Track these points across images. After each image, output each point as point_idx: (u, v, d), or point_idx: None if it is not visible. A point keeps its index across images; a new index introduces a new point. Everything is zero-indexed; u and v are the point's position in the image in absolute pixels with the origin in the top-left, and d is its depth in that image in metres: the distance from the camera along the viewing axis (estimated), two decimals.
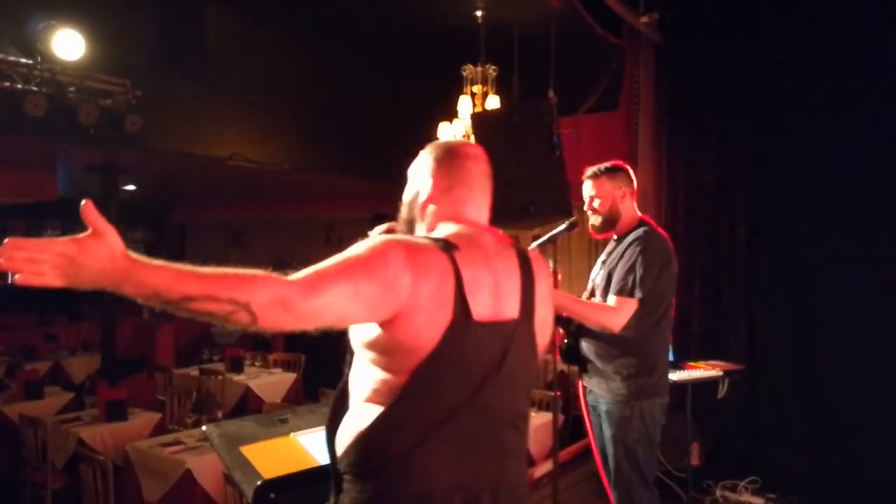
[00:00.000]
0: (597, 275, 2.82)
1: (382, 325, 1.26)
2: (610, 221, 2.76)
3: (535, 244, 2.99)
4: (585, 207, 2.82)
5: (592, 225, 2.82)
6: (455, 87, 4.84)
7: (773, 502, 4.02)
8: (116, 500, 3.59)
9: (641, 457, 2.63)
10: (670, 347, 2.95)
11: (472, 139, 3.78)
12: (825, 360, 4.39)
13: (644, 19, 4.85)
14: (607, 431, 2.68)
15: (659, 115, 5.03)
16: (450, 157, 1.49)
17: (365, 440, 1.28)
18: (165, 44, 6.05)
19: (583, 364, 2.79)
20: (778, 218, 4.66)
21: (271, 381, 6.11)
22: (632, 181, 2.79)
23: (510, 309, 1.39)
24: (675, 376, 3.61)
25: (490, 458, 1.34)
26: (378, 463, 1.28)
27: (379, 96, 7.16)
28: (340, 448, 1.34)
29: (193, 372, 6.25)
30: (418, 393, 1.27)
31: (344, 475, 1.32)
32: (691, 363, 4.00)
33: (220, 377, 5.88)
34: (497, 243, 1.44)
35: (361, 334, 1.32)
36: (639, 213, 2.80)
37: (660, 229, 2.77)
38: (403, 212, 1.53)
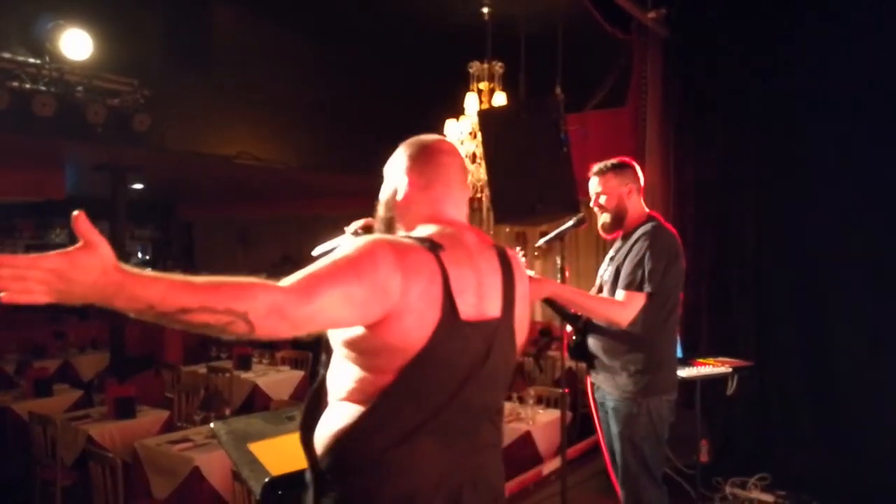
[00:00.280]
0: (605, 271, 2.81)
1: (369, 326, 1.25)
2: (617, 219, 2.75)
3: (542, 240, 2.99)
4: (592, 204, 2.81)
5: (602, 224, 2.80)
6: (462, 84, 4.83)
7: (783, 499, 4.00)
8: (125, 497, 3.60)
9: (649, 454, 2.62)
10: (679, 344, 2.93)
11: (479, 136, 3.77)
12: (834, 357, 4.36)
13: (652, 15, 4.82)
14: (615, 428, 2.67)
15: (666, 111, 5.00)
16: (425, 154, 1.48)
17: (346, 439, 1.28)
18: (173, 43, 6.07)
19: (590, 360, 2.78)
20: (786, 214, 4.63)
21: (279, 379, 6.13)
22: (638, 178, 2.77)
23: (493, 308, 1.40)
24: (683, 373, 3.59)
25: (469, 452, 1.36)
26: (360, 461, 1.27)
27: (386, 94, 7.16)
28: (320, 447, 1.32)
29: (201, 369, 6.27)
30: (404, 392, 1.26)
31: (326, 474, 1.31)
32: (700, 360, 3.98)
33: (227, 375, 5.89)
34: (479, 242, 1.45)
35: (343, 335, 1.30)
36: (646, 210, 2.78)
37: (668, 224, 2.76)
38: (381, 211, 1.51)
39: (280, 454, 1.77)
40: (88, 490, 3.83)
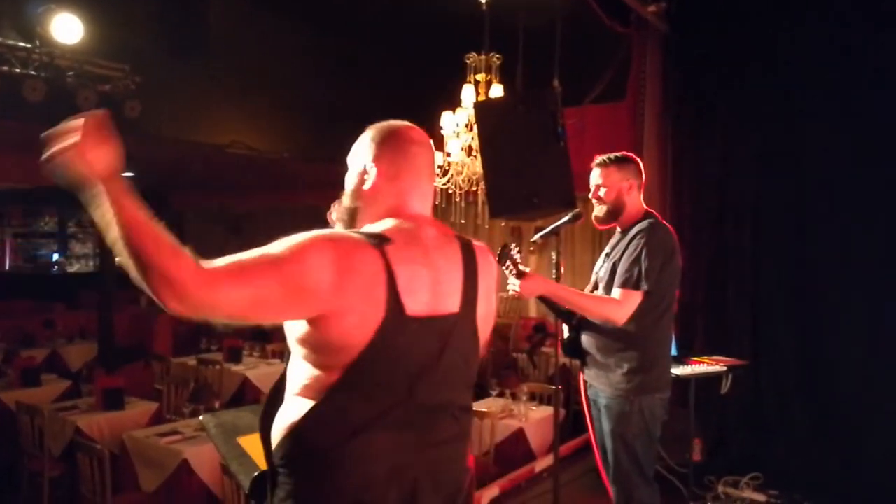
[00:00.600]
0: (601, 268, 2.79)
1: (311, 323, 1.25)
2: (614, 212, 2.73)
3: (537, 235, 2.97)
4: (591, 195, 2.79)
5: (596, 216, 2.78)
6: (458, 76, 4.77)
7: (775, 499, 4.01)
8: (113, 489, 3.56)
9: (641, 452, 2.61)
10: (673, 342, 2.92)
11: (476, 129, 3.73)
12: (829, 357, 4.36)
13: (651, 8, 4.79)
14: (606, 426, 2.66)
15: (665, 105, 4.98)
16: (395, 143, 1.43)
17: (296, 433, 1.28)
18: (166, 29, 5.99)
19: (584, 357, 2.76)
20: (784, 212, 4.62)
21: (269, 372, 6.08)
22: (641, 174, 2.75)
23: (450, 303, 1.37)
24: (678, 371, 3.58)
25: (425, 447, 1.34)
26: (311, 456, 1.27)
27: (382, 84, 7.09)
28: (274, 441, 1.32)
29: (191, 361, 6.22)
30: (350, 389, 1.26)
31: (278, 468, 1.31)
32: (695, 358, 3.97)
33: (217, 367, 5.85)
34: (439, 236, 1.41)
35: (293, 331, 1.30)
36: (644, 207, 2.76)
37: (664, 222, 2.74)
38: (346, 200, 1.48)
39: None
40: (76, 481, 3.80)
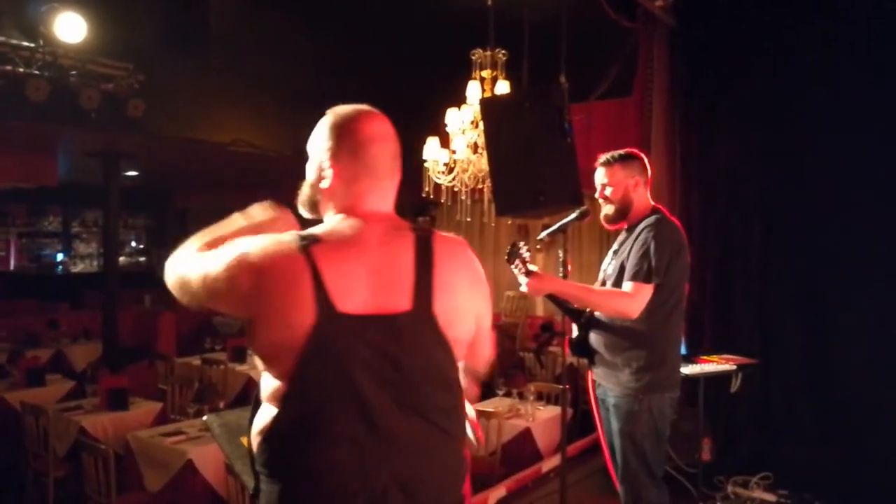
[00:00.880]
0: (608, 265, 2.77)
1: (249, 335, 1.30)
2: (622, 211, 2.71)
3: (544, 233, 2.95)
4: (597, 195, 2.77)
5: (605, 215, 2.77)
6: (463, 72, 4.74)
7: (785, 499, 3.97)
8: (118, 489, 3.56)
9: (649, 452, 2.59)
10: (682, 341, 2.89)
11: (481, 125, 3.70)
12: (839, 355, 4.31)
13: (658, 3, 4.75)
14: (615, 425, 2.64)
15: (672, 101, 4.93)
16: (353, 143, 1.36)
17: (267, 440, 1.29)
18: (168, 28, 5.99)
19: (592, 356, 2.74)
20: (793, 209, 4.57)
21: None
22: (646, 170, 2.73)
23: (399, 301, 1.29)
24: (687, 370, 3.55)
25: (396, 455, 1.27)
26: (280, 462, 1.28)
27: (385, 81, 7.05)
28: (253, 446, 1.34)
29: (195, 361, 6.21)
30: (302, 395, 1.25)
31: (259, 474, 1.32)
32: (704, 357, 3.94)
33: (222, 367, 5.84)
34: (387, 232, 1.35)
35: (248, 340, 1.34)
36: (652, 203, 2.74)
37: (673, 218, 2.71)
38: (306, 191, 1.46)
39: None
40: (81, 482, 3.79)
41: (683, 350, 3.06)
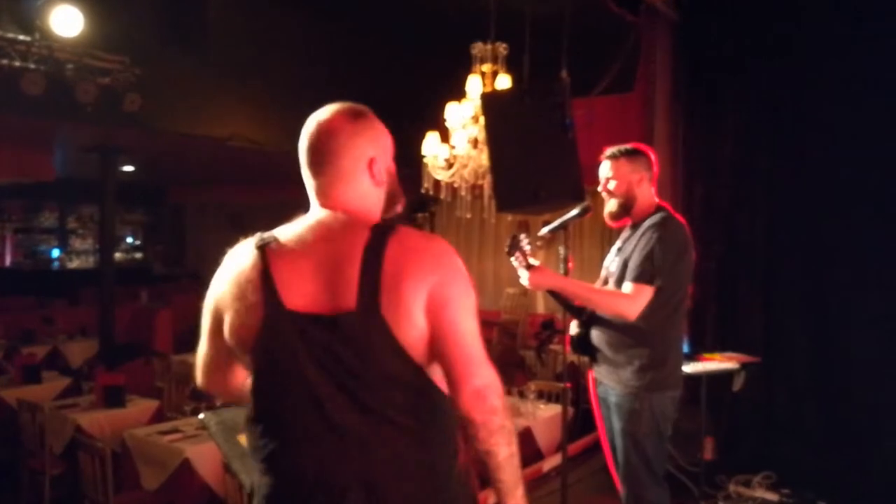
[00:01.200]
0: (611, 262, 2.74)
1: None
2: (625, 206, 2.68)
3: (545, 230, 2.91)
4: (600, 188, 2.73)
5: (608, 211, 2.73)
6: (464, 66, 4.70)
7: (788, 498, 3.96)
8: (115, 488, 3.55)
9: (651, 451, 2.57)
10: (685, 339, 2.87)
11: (482, 120, 3.67)
12: (843, 353, 4.29)
13: None
14: (616, 424, 2.62)
15: (675, 96, 4.89)
16: (302, 137, 1.41)
17: (247, 434, 1.37)
18: (166, 21, 5.95)
19: (593, 354, 2.71)
20: (797, 205, 4.53)
21: None
22: (651, 166, 2.70)
23: (344, 301, 1.23)
24: (689, 368, 3.53)
25: (357, 454, 1.24)
26: (255, 458, 1.34)
27: (385, 75, 7.02)
28: None
29: (192, 358, 6.15)
30: (262, 390, 1.30)
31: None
32: (706, 355, 3.91)
33: None
34: (339, 228, 1.31)
35: None
36: (656, 200, 2.70)
37: (678, 215, 2.68)
38: None
39: None
40: (77, 480, 3.77)
41: (686, 348, 3.03)
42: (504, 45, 4.67)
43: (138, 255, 14.17)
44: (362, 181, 1.37)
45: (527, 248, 2.64)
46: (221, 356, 1.42)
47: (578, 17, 4.44)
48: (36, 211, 12.79)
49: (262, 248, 1.31)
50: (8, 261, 12.35)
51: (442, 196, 5.16)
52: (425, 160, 4.88)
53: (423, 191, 5.00)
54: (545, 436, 4.30)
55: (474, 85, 4.64)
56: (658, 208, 2.66)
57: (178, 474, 3.54)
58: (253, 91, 6.57)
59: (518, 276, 2.70)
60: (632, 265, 2.53)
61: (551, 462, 4.33)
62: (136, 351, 7.25)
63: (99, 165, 7.39)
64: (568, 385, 3.21)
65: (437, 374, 1.30)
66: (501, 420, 1.26)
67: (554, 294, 2.73)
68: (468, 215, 5.18)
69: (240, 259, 1.34)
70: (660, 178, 2.81)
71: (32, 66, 4.92)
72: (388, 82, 6.91)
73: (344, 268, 1.25)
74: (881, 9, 4.08)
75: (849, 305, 4.27)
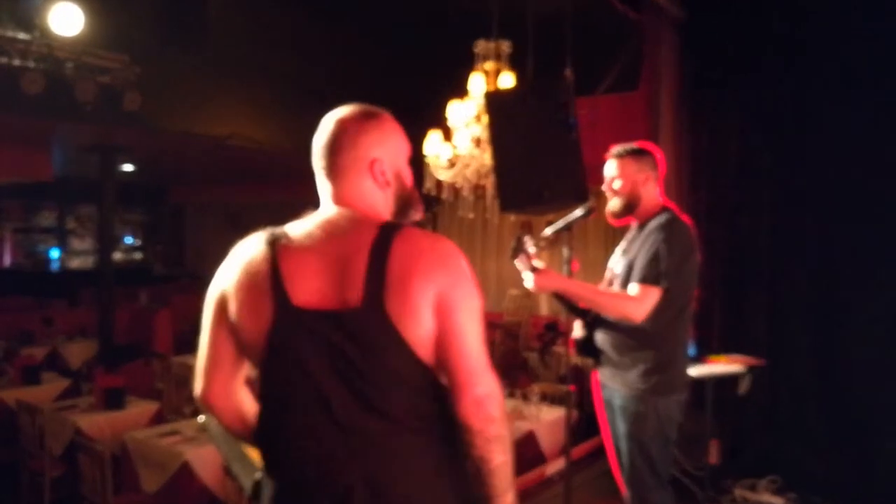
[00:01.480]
0: (616, 264, 2.72)
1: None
2: (629, 206, 2.65)
3: (548, 230, 2.88)
4: (604, 187, 2.71)
5: (611, 210, 2.71)
6: (467, 65, 4.68)
7: (794, 502, 3.94)
8: (115, 490, 3.55)
9: (656, 454, 2.54)
10: (690, 341, 2.84)
11: (485, 119, 3.64)
12: (849, 356, 4.26)
13: None
14: (621, 427, 2.60)
15: (680, 95, 4.86)
16: (315, 136, 1.43)
17: (254, 432, 1.37)
18: (165, 20, 5.92)
19: (598, 357, 2.69)
20: (803, 206, 4.50)
21: None
22: (657, 166, 2.68)
23: (350, 297, 1.24)
24: (694, 371, 3.50)
25: (362, 452, 1.24)
26: (263, 456, 1.35)
27: (386, 73, 7.00)
28: None
29: (192, 360, 6.13)
30: (270, 388, 1.30)
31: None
32: (712, 357, 3.88)
33: None
34: (347, 224, 1.32)
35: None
36: (662, 200, 2.68)
37: (684, 216, 2.65)
38: None
39: None
40: (77, 482, 3.77)
41: (691, 351, 3.01)
42: (507, 43, 4.64)
43: (138, 256, 14.15)
44: (364, 181, 1.38)
45: (531, 250, 2.62)
46: (226, 355, 1.38)
47: (582, 16, 4.42)
48: (35, 211, 12.78)
49: (273, 244, 1.31)
50: (7, 261, 12.34)
51: (444, 196, 5.13)
52: (427, 160, 4.85)
53: (424, 191, 4.97)
54: (548, 439, 4.28)
55: (477, 83, 4.60)
56: (664, 209, 2.63)
57: (178, 477, 3.54)
58: (253, 90, 6.56)
59: (521, 278, 2.67)
60: (637, 267, 2.51)
61: (554, 465, 4.31)
62: (135, 352, 7.23)
63: (98, 165, 7.38)
64: (572, 388, 3.18)
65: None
66: (499, 429, 1.27)
67: (558, 296, 2.70)
68: (471, 215, 5.15)
69: (249, 252, 1.33)
70: (664, 178, 2.79)
71: (32, 64, 4.91)
72: (390, 81, 6.88)
73: (350, 264, 1.25)
74: (887, 8, 4.05)
75: (854, 308, 4.24)
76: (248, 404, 1.44)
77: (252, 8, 6.50)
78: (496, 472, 1.28)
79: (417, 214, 1.47)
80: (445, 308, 1.25)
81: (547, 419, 4.32)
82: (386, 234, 1.27)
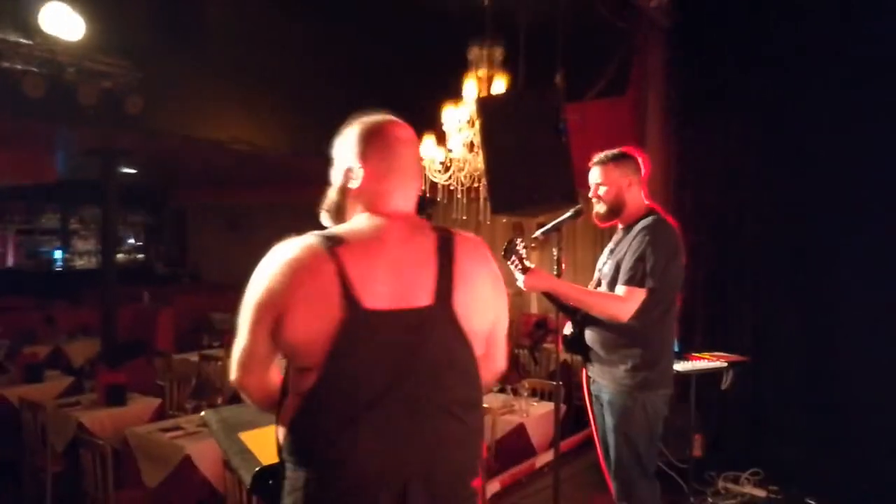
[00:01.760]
0: (604, 264, 2.78)
1: (275, 330, 1.34)
2: (614, 210, 2.73)
3: (539, 232, 2.96)
4: (590, 194, 2.78)
5: (597, 213, 2.78)
6: (460, 71, 4.75)
7: (775, 494, 4.01)
8: (116, 485, 3.57)
9: (643, 448, 2.62)
10: (675, 338, 2.92)
11: (477, 124, 3.72)
12: (830, 352, 4.35)
13: (653, 3, 4.76)
14: (609, 422, 2.66)
15: (667, 101, 4.95)
16: (383, 143, 1.43)
17: (291, 431, 1.34)
18: (166, 25, 5.97)
19: (587, 353, 2.76)
20: (787, 208, 4.59)
21: None
22: (640, 169, 2.74)
23: (421, 296, 1.34)
24: (679, 367, 3.58)
25: (420, 447, 1.32)
26: (305, 454, 1.33)
27: (383, 78, 7.07)
28: (280, 436, 1.39)
29: (193, 357, 6.22)
30: (329, 388, 1.29)
31: (286, 462, 1.37)
32: (696, 354, 3.96)
33: (219, 363, 5.85)
34: (409, 231, 1.40)
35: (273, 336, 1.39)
36: (647, 202, 2.75)
37: (669, 218, 2.72)
38: (333, 195, 1.50)
39: (271, 444, 1.74)
40: (79, 477, 3.79)
41: (675, 347, 3.08)
42: (500, 50, 4.72)
43: (140, 256, 14.20)
44: (417, 191, 1.51)
45: (522, 251, 2.70)
46: (266, 352, 1.38)
47: (572, 23, 4.48)
48: (38, 212, 12.81)
49: (331, 249, 1.31)
50: (10, 262, 12.37)
51: (439, 198, 5.21)
52: (422, 163, 4.93)
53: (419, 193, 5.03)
54: (538, 432, 4.35)
55: (470, 88, 4.68)
56: (649, 210, 2.70)
57: (179, 471, 3.56)
58: (253, 94, 6.59)
59: (512, 278, 2.75)
60: (624, 267, 2.58)
61: (544, 458, 4.39)
62: (137, 350, 7.27)
63: (100, 167, 7.42)
64: (560, 383, 3.24)
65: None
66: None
67: (548, 295, 2.78)
68: (464, 217, 5.22)
69: (304, 257, 1.31)
70: (651, 182, 2.86)
71: (34, 69, 4.94)
72: (386, 85, 6.96)
73: (419, 267, 1.36)
74: (873, 13, 4.14)
75: (836, 306, 4.33)
76: (275, 380, 1.47)
77: (251, 13, 6.56)
78: None
79: None
80: (497, 304, 1.47)
81: (536, 413, 4.38)
82: (446, 239, 1.41)
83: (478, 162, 4.67)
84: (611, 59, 5.29)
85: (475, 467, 1.44)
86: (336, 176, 1.49)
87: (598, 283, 2.77)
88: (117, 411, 4.35)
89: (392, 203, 1.43)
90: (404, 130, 1.47)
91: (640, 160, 2.76)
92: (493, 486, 4.09)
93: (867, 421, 4.13)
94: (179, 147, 7.28)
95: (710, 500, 4.05)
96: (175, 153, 8.14)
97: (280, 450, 1.39)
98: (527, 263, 2.67)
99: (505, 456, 4.23)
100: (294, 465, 1.34)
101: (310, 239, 1.35)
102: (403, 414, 1.30)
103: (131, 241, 14.17)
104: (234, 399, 5.37)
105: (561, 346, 2.92)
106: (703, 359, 3.88)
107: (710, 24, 4.88)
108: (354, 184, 1.44)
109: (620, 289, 2.57)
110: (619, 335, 2.61)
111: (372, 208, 1.43)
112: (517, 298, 8.17)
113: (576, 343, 2.80)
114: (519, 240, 2.75)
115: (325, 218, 1.52)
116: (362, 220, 1.41)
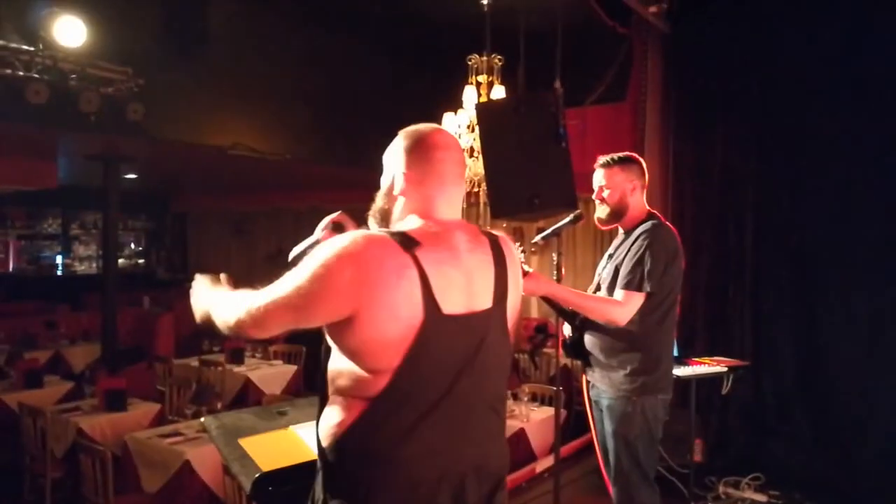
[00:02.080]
0: (603, 268, 2.79)
1: (347, 329, 1.31)
2: (617, 214, 2.73)
3: (539, 237, 2.97)
4: (594, 196, 2.78)
5: (599, 217, 2.78)
6: (460, 77, 4.77)
7: (776, 499, 4.01)
8: (115, 490, 3.56)
9: (642, 453, 2.61)
10: (675, 343, 2.92)
11: (477, 130, 3.73)
12: (830, 357, 4.35)
13: (652, 9, 4.80)
14: (608, 427, 2.66)
15: (666, 106, 4.98)
16: (422, 147, 1.47)
17: (349, 434, 1.33)
18: (168, 32, 6.00)
19: (586, 358, 2.76)
20: (786, 213, 4.61)
21: (271, 373, 6.09)
22: (644, 174, 2.75)
23: (483, 301, 1.43)
24: (679, 372, 3.57)
25: (472, 443, 1.39)
26: (364, 456, 1.32)
27: (383, 86, 7.10)
28: (325, 439, 1.37)
29: (193, 363, 6.23)
30: (401, 390, 1.31)
31: (333, 466, 1.36)
32: (696, 359, 3.96)
33: (220, 368, 5.85)
34: (470, 238, 1.46)
35: (334, 335, 1.37)
36: (647, 207, 2.76)
37: (668, 223, 2.74)
38: (379, 201, 1.53)
39: (270, 450, 1.76)
40: (78, 483, 3.80)
41: (675, 352, 3.08)
42: (499, 57, 4.74)
43: (141, 262, 14.20)
44: (460, 194, 1.56)
45: (521, 256, 2.71)
46: (293, 323, 1.37)
47: (572, 29, 4.51)
48: (39, 217, 12.82)
49: (411, 250, 1.32)
50: (11, 267, 12.37)
51: None
52: (465, 168, 4.92)
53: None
54: (538, 437, 4.36)
55: (470, 95, 4.70)
56: (649, 215, 2.71)
57: (179, 477, 3.57)
58: (254, 101, 6.61)
59: None
60: (623, 272, 2.59)
61: (544, 463, 4.38)
62: (138, 355, 7.27)
63: (102, 173, 7.44)
64: (560, 388, 3.26)
65: None
66: None
67: (547, 300, 2.78)
68: None
69: (384, 256, 1.30)
70: (651, 186, 2.87)
71: (36, 76, 4.96)
72: (387, 92, 6.99)
73: (483, 273, 1.44)
74: (867, 18, 4.17)
75: (836, 311, 4.34)
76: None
77: (253, 20, 6.60)
78: None
79: None
80: (520, 298, 1.59)
81: (537, 418, 4.39)
82: (496, 244, 1.50)
83: (478, 167, 4.69)
84: (610, 64, 5.32)
85: (508, 456, 1.54)
86: (384, 181, 1.54)
87: (598, 288, 2.78)
88: (117, 416, 4.35)
89: (437, 209, 1.46)
90: (444, 136, 1.51)
91: (643, 165, 2.76)
92: None
93: (868, 425, 4.13)
94: (181, 153, 7.29)
95: None
96: (176, 159, 8.15)
97: (327, 451, 1.37)
98: (525, 268, 2.68)
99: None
100: (348, 469, 1.33)
101: (384, 237, 1.35)
102: (460, 412, 1.36)
103: (132, 246, 14.18)
104: (235, 404, 5.40)
105: (561, 351, 2.92)
106: (704, 363, 3.88)
107: (708, 30, 4.91)
108: (397, 188, 1.48)
109: (618, 293, 2.58)
110: (618, 340, 2.61)
111: (420, 213, 1.46)
112: None
113: (575, 348, 2.80)
114: (518, 245, 2.75)
115: (372, 223, 1.55)
116: (423, 225, 1.42)
